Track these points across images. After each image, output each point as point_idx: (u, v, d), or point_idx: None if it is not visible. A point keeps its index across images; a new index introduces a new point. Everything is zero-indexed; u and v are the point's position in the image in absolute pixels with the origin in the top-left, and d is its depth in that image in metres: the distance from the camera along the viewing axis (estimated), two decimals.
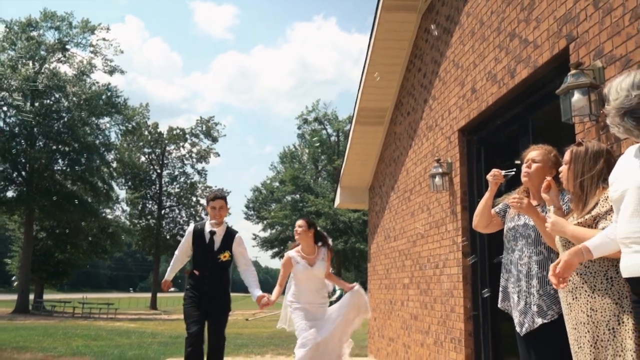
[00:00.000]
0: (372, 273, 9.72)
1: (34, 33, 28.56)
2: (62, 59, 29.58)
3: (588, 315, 2.56)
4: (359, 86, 8.30)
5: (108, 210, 35.35)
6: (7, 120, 27.38)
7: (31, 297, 30.89)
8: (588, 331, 2.55)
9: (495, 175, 3.48)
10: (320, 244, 5.51)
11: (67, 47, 29.46)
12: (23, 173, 28.24)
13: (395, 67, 7.69)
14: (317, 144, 40.16)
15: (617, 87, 2.25)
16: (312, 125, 42.31)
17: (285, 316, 5.61)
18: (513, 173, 3.51)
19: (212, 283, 5.16)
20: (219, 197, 5.34)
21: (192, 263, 5.39)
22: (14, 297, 32.30)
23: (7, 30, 28.19)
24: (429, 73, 6.66)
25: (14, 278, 34.99)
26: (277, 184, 43.55)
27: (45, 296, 36.64)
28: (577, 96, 3.39)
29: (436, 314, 6.18)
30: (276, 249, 43.61)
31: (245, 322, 23.54)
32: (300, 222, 5.47)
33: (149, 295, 50.32)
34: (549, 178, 2.94)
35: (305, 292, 5.33)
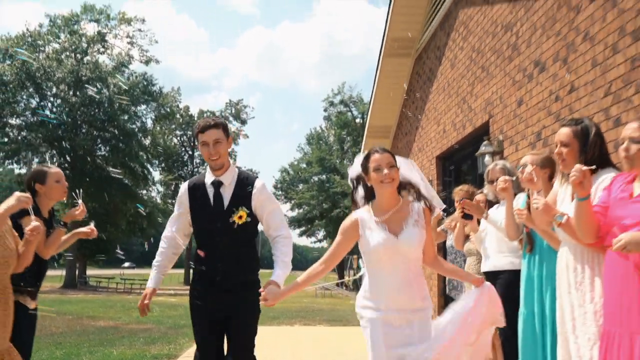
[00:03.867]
0: None
1: (76, 26, 31.25)
2: (101, 49, 32.28)
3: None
4: (369, 108, 10.51)
5: (144, 192, 38.30)
6: (54, 109, 30.31)
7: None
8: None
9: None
10: (409, 197, 2.94)
11: (106, 39, 32.15)
12: (68, 158, 31.24)
13: (396, 98, 9.88)
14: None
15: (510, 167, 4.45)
16: (338, 108, 44.39)
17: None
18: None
19: (228, 268, 3.23)
20: (209, 125, 3.25)
21: (196, 241, 3.40)
22: (59, 272, 35.80)
23: (52, 24, 30.97)
24: (419, 107, 8.85)
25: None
26: (304, 165, 45.93)
27: (87, 272, 40.09)
28: (487, 158, 5.60)
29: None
30: (303, 228, 46.19)
31: None
32: (383, 155, 2.78)
33: (180, 271, 53.78)
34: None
35: (388, 286, 2.80)
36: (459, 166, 7.51)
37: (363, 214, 2.87)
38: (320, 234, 46.28)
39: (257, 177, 3.40)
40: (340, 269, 40.94)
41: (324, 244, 51.92)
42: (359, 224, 2.85)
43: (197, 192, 3.35)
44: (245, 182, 3.32)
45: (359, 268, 34.01)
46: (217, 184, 3.30)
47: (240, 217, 3.23)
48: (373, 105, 10.27)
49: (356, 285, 33.49)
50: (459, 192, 5.73)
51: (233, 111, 46.44)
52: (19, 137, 30.03)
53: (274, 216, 3.35)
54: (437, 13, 7.78)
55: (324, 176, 44.23)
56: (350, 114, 44.40)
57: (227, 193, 3.29)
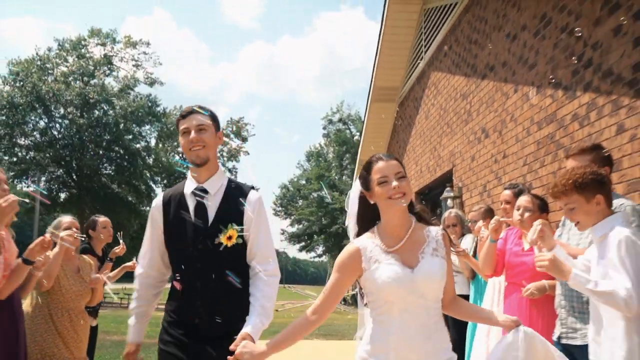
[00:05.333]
0: None
1: (83, 50, 32.80)
2: (107, 72, 33.78)
3: None
4: (360, 141, 11.87)
5: (147, 208, 39.62)
6: (62, 130, 31.77)
7: None
8: None
9: None
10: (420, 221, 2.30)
11: (112, 62, 33.68)
12: (74, 177, 32.62)
13: (383, 141, 11.26)
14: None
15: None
16: (337, 126, 45.87)
17: None
18: None
19: (212, 307, 2.48)
20: (191, 110, 2.62)
21: (171, 269, 2.68)
22: None
23: (60, 48, 32.50)
24: (402, 147, 10.20)
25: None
26: (303, 181, 47.30)
27: None
28: (449, 202, 6.93)
29: None
30: (303, 243, 47.46)
31: (275, 312, 27.29)
32: (389, 163, 2.19)
33: None
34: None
35: (399, 338, 2.14)
36: (434, 203, 8.85)
37: (365, 242, 2.21)
38: (320, 249, 47.58)
39: (253, 187, 2.66)
40: None
41: (324, 258, 53.23)
42: (361, 255, 2.18)
43: (173, 205, 2.60)
44: (236, 193, 2.58)
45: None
46: (199, 193, 2.55)
47: (230, 238, 2.50)
48: (363, 141, 11.65)
49: (354, 300, 34.62)
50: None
51: (234, 128, 47.80)
52: (28, 157, 31.45)
53: (263, 242, 2.57)
54: (415, 69, 9.17)
55: (323, 192, 45.56)
56: (348, 131, 45.86)
57: (212, 204, 2.55)
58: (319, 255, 50.31)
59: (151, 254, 2.67)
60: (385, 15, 8.93)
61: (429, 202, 8.86)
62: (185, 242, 2.52)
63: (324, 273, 49.67)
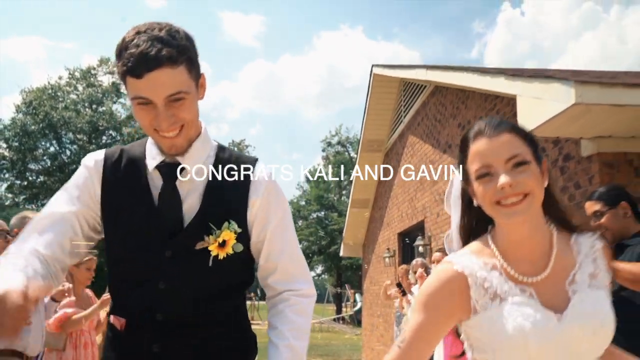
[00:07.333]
0: (365, 306, 14.98)
1: (92, 79, 34.69)
2: (115, 99, 35.61)
3: None
4: (352, 183, 13.50)
5: None
6: (71, 156, 33.54)
7: None
8: None
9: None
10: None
11: (120, 89, 35.49)
12: None
13: (372, 184, 12.89)
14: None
15: None
16: (336, 148, 47.64)
17: None
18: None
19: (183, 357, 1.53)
20: (153, 58, 1.35)
21: (110, 288, 1.61)
22: None
23: (70, 76, 34.37)
24: (387, 191, 11.83)
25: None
26: (303, 202, 48.94)
27: None
28: (420, 249, 8.51)
29: (390, 330, 11.36)
30: None
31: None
32: (493, 141, 1.31)
33: None
34: None
35: None
36: (413, 241, 10.45)
37: (473, 264, 1.33)
38: (319, 269, 49.13)
39: (258, 160, 1.71)
40: (338, 303, 43.56)
41: (324, 276, 54.62)
42: (468, 285, 1.31)
43: (123, 174, 1.60)
44: (232, 170, 1.64)
45: (355, 302, 36.37)
46: (169, 170, 1.58)
47: (222, 245, 1.53)
48: (355, 183, 13.28)
49: (352, 319, 35.83)
50: (400, 270, 8.64)
51: (235, 150, 49.48)
52: (38, 181, 33.16)
53: (288, 248, 1.69)
54: (396, 129, 10.84)
55: (322, 213, 47.17)
56: (347, 153, 47.61)
57: (191, 187, 1.59)
58: (318, 275, 51.81)
59: (59, 228, 1.54)
60: (371, 83, 10.63)
61: (408, 245, 10.45)
62: (143, 245, 1.54)
63: (324, 291, 51.37)
